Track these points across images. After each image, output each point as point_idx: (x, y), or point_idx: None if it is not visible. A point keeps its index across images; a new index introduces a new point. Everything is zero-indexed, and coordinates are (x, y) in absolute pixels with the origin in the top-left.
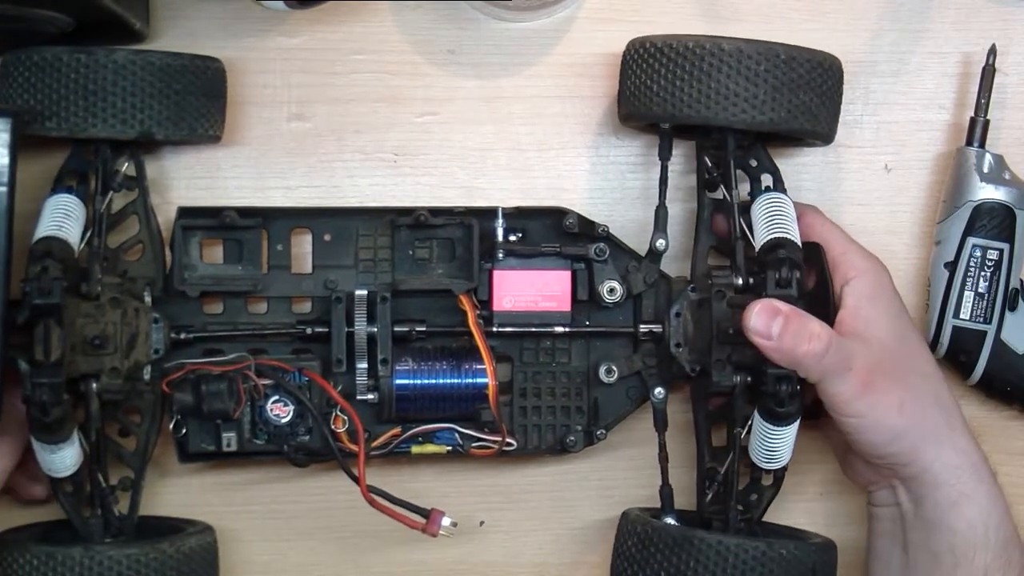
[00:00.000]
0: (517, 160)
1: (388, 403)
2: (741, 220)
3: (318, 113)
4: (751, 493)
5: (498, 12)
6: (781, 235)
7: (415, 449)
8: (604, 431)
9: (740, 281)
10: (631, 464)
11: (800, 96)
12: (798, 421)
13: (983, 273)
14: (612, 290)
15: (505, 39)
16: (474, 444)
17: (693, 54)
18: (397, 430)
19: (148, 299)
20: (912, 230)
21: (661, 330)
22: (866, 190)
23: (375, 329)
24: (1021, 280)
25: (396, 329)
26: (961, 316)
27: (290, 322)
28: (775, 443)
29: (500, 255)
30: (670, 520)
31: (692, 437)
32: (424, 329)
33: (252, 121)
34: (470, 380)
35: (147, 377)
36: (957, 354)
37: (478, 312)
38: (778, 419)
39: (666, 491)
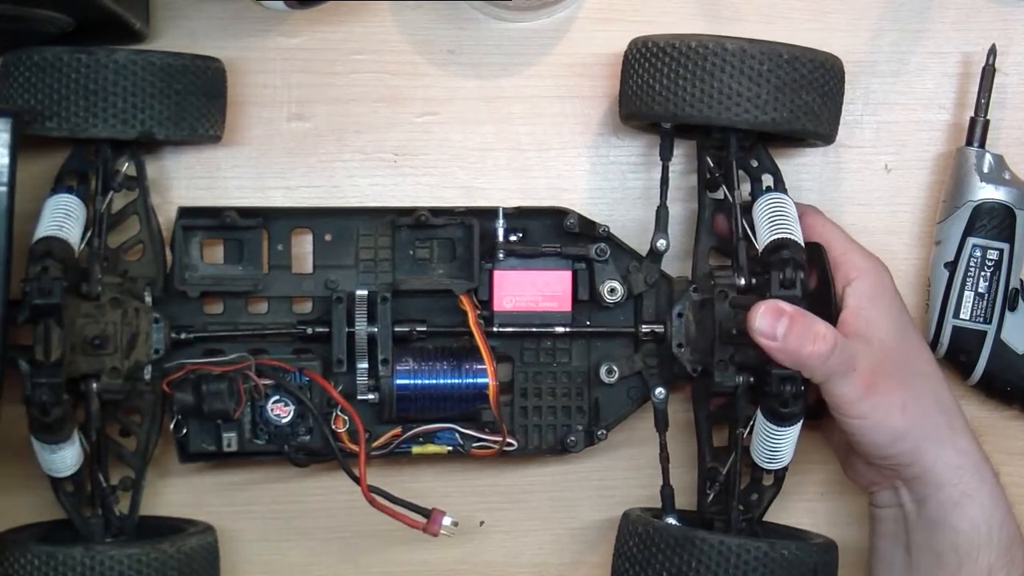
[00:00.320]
0: (517, 160)
1: (389, 403)
2: (743, 220)
3: (318, 113)
4: (752, 493)
5: (498, 12)
6: (784, 236)
7: (416, 449)
8: (605, 431)
9: (742, 281)
10: (632, 464)
11: (802, 96)
12: (801, 422)
13: (983, 273)
14: (613, 290)
15: (505, 39)
16: (475, 444)
17: (696, 54)
18: (398, 430)
19: (148, 299)
20: (912, 230)
21: (663, 330)
22: (866, 190)
23: (376, 329)
24: (1021, 280)
25: (397, 329)
26: (961, 316)
27: (291, 322)
28: (777, 443)
29: (501, 255)
30: (671, 520)
31: (693, 437)
32: (425, 329)
33: (252, 121)
34: (471, 380)
35: (147, 377)
36: (957, 354)
37: (478, 312)
38: (781, 419)
39: (667, 491)
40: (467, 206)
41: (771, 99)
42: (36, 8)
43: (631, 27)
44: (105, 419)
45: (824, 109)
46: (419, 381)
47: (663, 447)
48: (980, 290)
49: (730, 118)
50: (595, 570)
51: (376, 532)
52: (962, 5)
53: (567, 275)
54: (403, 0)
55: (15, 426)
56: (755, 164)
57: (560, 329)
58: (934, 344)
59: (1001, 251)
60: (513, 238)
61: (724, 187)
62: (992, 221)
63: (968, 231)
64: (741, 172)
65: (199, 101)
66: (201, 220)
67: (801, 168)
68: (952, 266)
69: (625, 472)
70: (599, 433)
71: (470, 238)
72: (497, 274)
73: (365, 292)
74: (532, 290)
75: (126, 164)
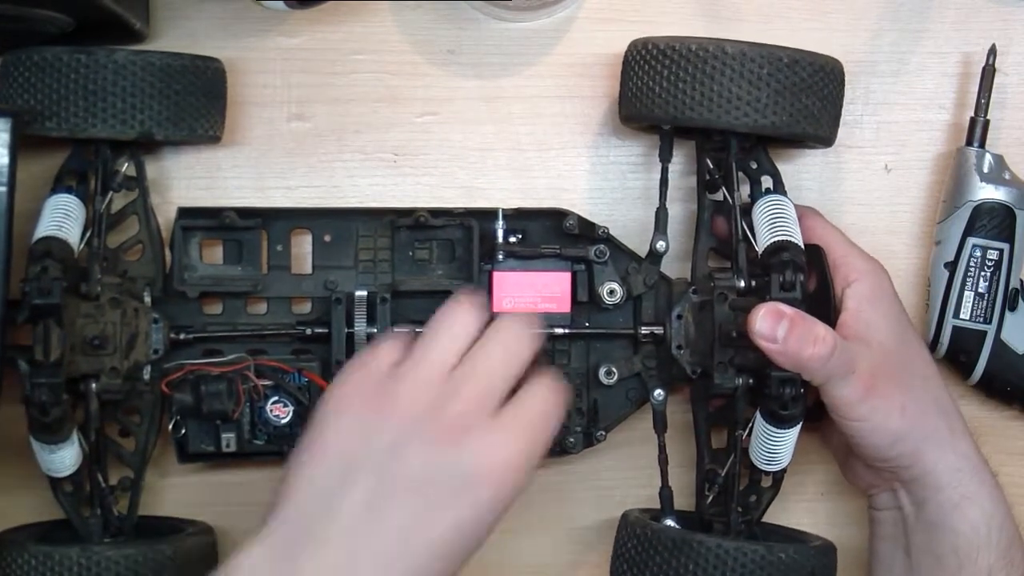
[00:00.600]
0: (517, 160)
1: None
2: (742, 222)
3: (318, 113)
4: (750, 495)
5: (498, 12)
6: (784, 238)
7: None
8: (604, 432)
9: (742, 283)
10: (631, 465)
11: (802, 100)
12: (800, 424)
13: (983, 273)
14: (612, 291)
15: (505, 39)
16: None
17: (696, 56)
18: None
19: (148, 299)
20: (912, 230)
21: (662, 332)
22: (866, 190)
23: (375, 330)
24: (1021, 280)
25: (396, 330)
26: (961, 316)
27: (290, 323)
28: (776, 445)
29: (500, 256)
30: (670, 522)
31: (691, 438)
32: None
33: (252, 121)
34: None
35: (147, 377)
36: (957, 354)
37: None
38: (781, 422)
39: (666, 493)
40: (467, 207)
41: (771, 103)
42: (36, 8)
43: (631, 27)
44: (104, 419)
45: (824, 112)
46: None
47: (662, 448)
48: (980, 290)
49: (730, 122)
50: (594, 571)
51: None
52: (962, 5)
53: (566, 276)
54: (403, 0)
55: (14, 426)
56: (754, 166)
57: (559, 330)
58: (934, 344)
59: (1001, 251)
60: (512, 239)
61: (724, 189)
62: (992, 221)
63: (968, 231)
64: (740, 174)
65: (198, 101)
66: (200, 220)
67: (801, 168)
68: (952, 266)
69: (624, 473)
70: (598, 434)
71: (469, 239)
72: (496, 275)
73: (364, 293)
74: (531, 291)
75: (126, 164)
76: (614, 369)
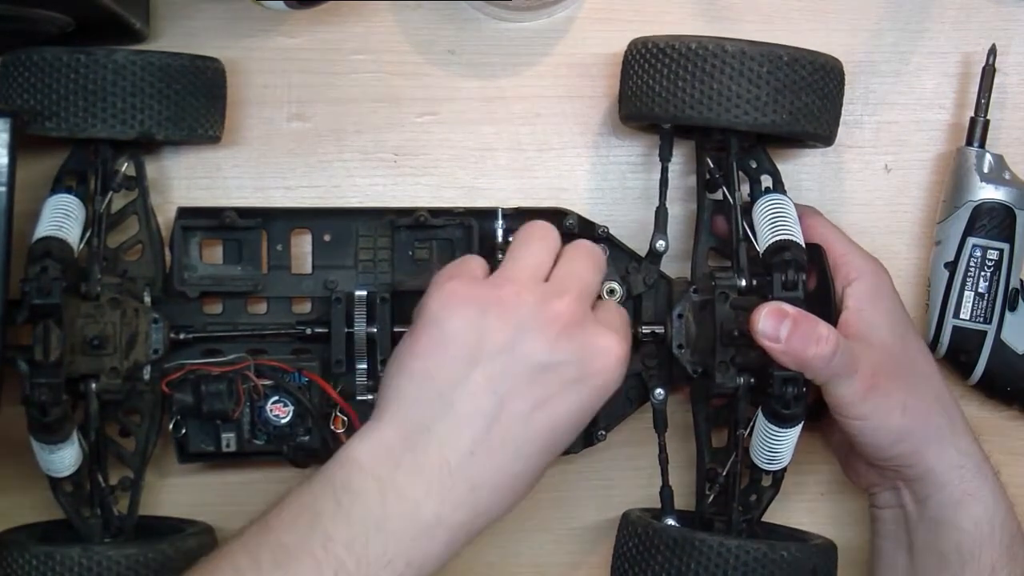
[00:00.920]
0: (517, 160)
1: None
2: (743, 222)
3: (318, 113)
4: (751, 494)
5: (498, 12)
6: (785, 237)
7: None
8: (604, 432)
9: (743, 283)
10: (631, 464)
11: (802, 98)
12: (801, 423)
13: (983, 273)
14: (612, 291)
15: (505, 39)
16: None
17: (695, 55)
18: None
19: (148, 299)
20: (912, 230)
21: (663, 331)
22: (866, 190)
23: (375, 329)
24: (1021, 280)
25: (396, 330)
26: (961, 316)
27: (290, 322)
28: (778, 445)
29: (500, 256)
30: (671, 521)
31: (692, 438)
32: None
33: (252, 121)
34: None
35: (147, 377)
36: (957, 354)
37: None
38: (783, 421)
39: (666, 492)
40: (467, 206)
41: (770, 101)
42: (36, 8)
43: (631, 27)
44: (104, 419)
45: (824, 111)
46: None
47: (662, 448)
48: (980, 290)
49: (729, 120)
50: (595, 571)
51: None
52: (962, 5)
53: None
54: (403, 0)
55: (14, 426)
56: (754, 165)
57: None
58: (934, 344)
59: (1001, 251)
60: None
61: (724, 188)
62: (992, 221)
63: (968, 231)
64: (740, 173)
65: (198, 101)
66: (200, 220)
67: (801, 168)
68: (952, 266)
69: (625, 473)
70: (598, 434)
71: (469, 239)
72: None
73: (364, 292)
74: None
75: (125, 164)
76: None
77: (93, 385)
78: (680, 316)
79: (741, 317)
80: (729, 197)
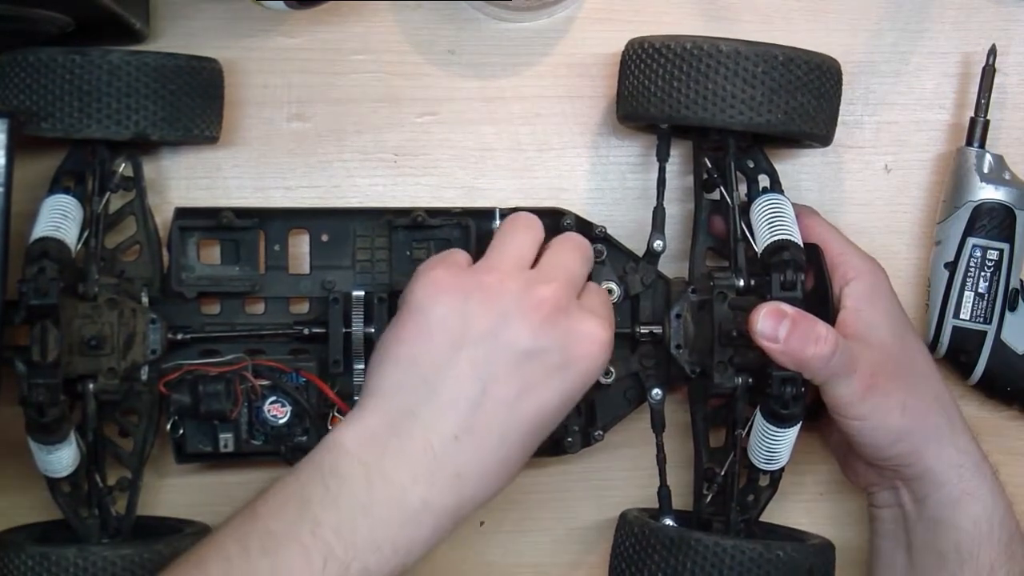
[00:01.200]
0: (517, 160)
1: None
2: (741, 222)
3: (318, 113)
4: (748, 494)
5: (498, 12)
6: (784, 237)
7: None
8: (602, 432)
9: (741, 283)
10: (630, 465)
11: (798, 98)
12: (800, 423)
13: (983, 273)
14: (610, 291)
15: (505, 39)
16: None
17: (691, 55)
18: None
19: (145, 300)
20: (912, 230)
21: (661, 331)
22: (866, 190)
23: (372, 330)
24: (1021, 280)
25: None
26: (961, 316)
27: (287, 323)
28: (776, 445)
29: None
30: (668, 521)
31: (689, 438)
32: None
33: (252, 121)
34: None
35: (144, 378)
36: (957, 354)
37: None
38: (781, 421)
39: (664, 492)
40: (466, 207)
41: (766, 101)
42: (36, 8)
43: (630, 27)
44: (102, 420)
45: (820, 111)
46: None
47: (660, 448)
48: (980, 290)
49: (725, 120)
50: (594, 570)
51: None
52: (962, 5)
53: None
54: (403, 0)
55: (12, 426)
56: (751, 165)
57: None
58: (934, 344)
59: (1001, 251)
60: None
61: (721, 188)
62: (992, 221)
63: (968, 231)
64: (738, 173)
65: (194, 102)
66: (198, 221)
67: (801, 168)
68: (952, 266)
69: (623, 473)
70: (596, 434)
71: (467, 239)
72: None
73: (362, 293)
74: None
75: (123, 165)
76: (612, 368)
77: (91, 385)
78: (678, 316)
79: (740, 317)
80: (727, 197)
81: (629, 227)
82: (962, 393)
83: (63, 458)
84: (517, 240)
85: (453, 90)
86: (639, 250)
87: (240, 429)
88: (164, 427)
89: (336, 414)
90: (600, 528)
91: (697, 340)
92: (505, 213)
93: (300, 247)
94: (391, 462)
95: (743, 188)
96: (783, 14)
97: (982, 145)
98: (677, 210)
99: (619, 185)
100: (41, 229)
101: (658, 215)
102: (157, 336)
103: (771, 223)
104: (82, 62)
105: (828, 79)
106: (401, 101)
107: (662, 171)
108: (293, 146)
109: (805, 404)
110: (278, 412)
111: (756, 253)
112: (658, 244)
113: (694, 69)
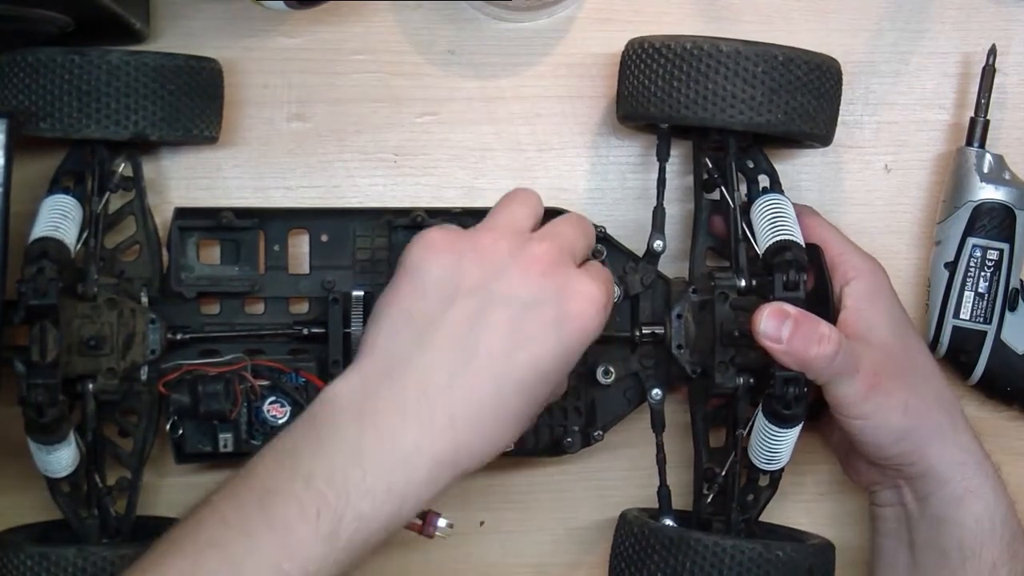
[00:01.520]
0: (517, 160)
1: None
2: (741, 222)
3: (318, 113)
4: (748, 494)
5: (498, 12)
6: (786, 237)
7: None
8: (601, 432)
9: (742, 283)
10: (629, 465)
11: (798, 98)
12: (802, 423)
13: (983, 273)
14: None
15: (505, 39)
16: None
17: (691, 55)
18: None
19: (145, 300)
20: (912, 230)
21: (661, 331)
22: (866, 190)
23: None
24: (1021, 280)
25: None
26: (961, 316)
27: (287, 323)
28: (777, 445)
29: None
30: (668, 521)
31: (689, 438)
32: None
33: (252, 121)
34: None
35: (144, 378)
36: (957, 354)
37: None
38: (784, 421)
39: (664, 492)
40: (466, 206)
41: (765, 101)
42: (36, 8)
43: (630, 27)
44: (101, 420)
45: (820, 111)
46: None
47: (660, 448)
48: (980, 290)
49: (724, 120)
50: (594, 570)
51: None
52: (962, 5)
53: None
54: (403, 0)
55: (11, 427)
56: (752, 165)
57: None
58: (934, 344)
59: (1001, 251)
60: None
61: (722, 188)
62: (992, 221)
63: (968, 231)
64: (738, 173)
65: (193, 102)
66: (198, 221)
67: (801, 168)
68: (952, 266)
69: (623, 473)
70: (596, 434)
71: None
72: None
73: (361, 293)
74: None
75: (122, 165)
76: (611, 368)
77: (90, 385)
78: (679, 316)
79: (741, 317)
80: (727, 197)
81: (629, 227)
82: (962, 393)
83: (63, 458)
84: (513, 208)
85: (453, 90)
86: (639, 250)
87: (240, 429)
88: (164, 427)
89: None
90: (600, 528)
91: (698, 340)
92: None
93: (300, 247)
94: (383, 406)
95: (743, 188)
96: (783, 14)
97: (982, 145)
98: (677, 210)
99: (619, 185)
100: (40, 229)
101: (658, 215)
102: (156, 336)
103: (772, 223)
104: (81, 62)
105: (828, 79)
106: (401, 101)
107: (662, 171)
108: (293, 146)
109: (806, 404)
110: (277, 412)
111: (757, 253)
112: (658, 244)
113: (694, 69)
